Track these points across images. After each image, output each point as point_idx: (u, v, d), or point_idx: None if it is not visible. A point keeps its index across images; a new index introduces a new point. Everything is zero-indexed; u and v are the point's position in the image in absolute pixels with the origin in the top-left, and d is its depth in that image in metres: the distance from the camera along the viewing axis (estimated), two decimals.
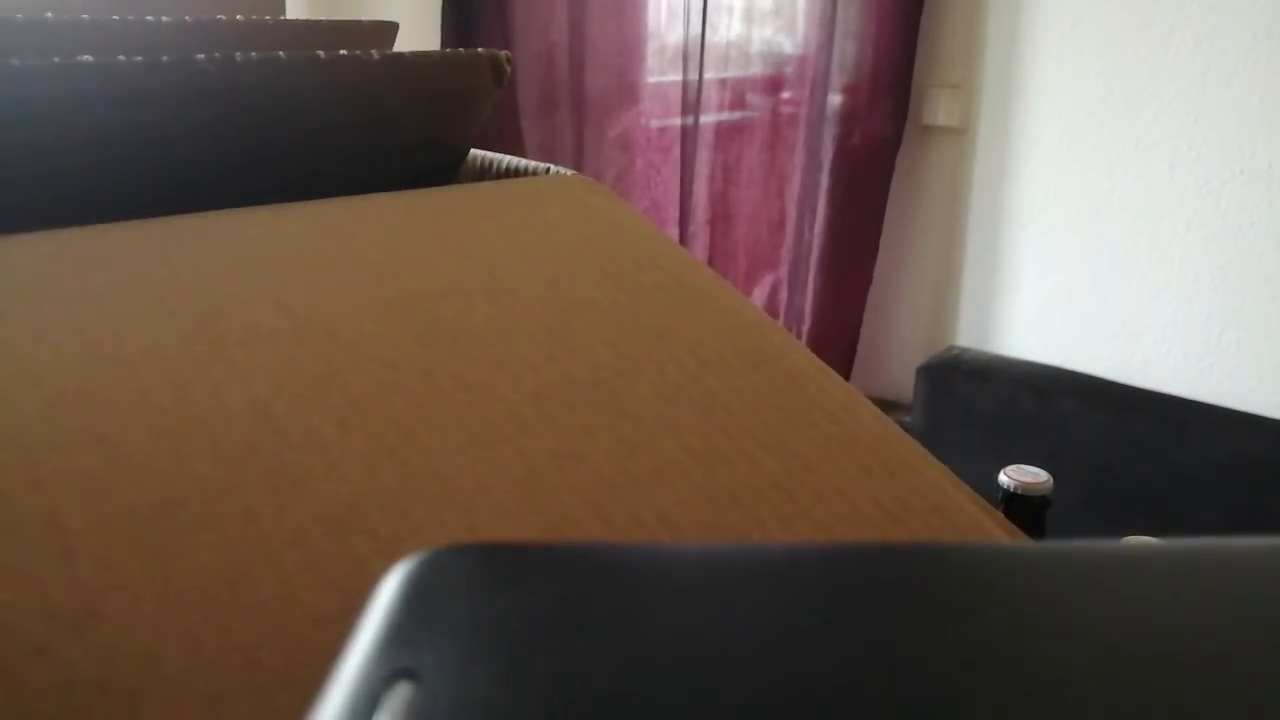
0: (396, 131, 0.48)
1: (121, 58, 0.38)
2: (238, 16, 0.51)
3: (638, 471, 0.30)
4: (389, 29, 0.60)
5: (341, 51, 0.43)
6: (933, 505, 0.32)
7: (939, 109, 1.82)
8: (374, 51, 0.44)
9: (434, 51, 0.46)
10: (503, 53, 0.49)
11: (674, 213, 2.02)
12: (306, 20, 0.56)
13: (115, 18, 0.48)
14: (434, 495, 0.28)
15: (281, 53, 0.42)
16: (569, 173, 0.50)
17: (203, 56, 0.40)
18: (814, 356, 0.39)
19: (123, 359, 0.30)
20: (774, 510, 0.30)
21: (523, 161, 0.53)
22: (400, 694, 0.12)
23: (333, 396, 0.31)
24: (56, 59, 0.37)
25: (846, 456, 0.33)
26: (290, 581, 0.24)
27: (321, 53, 0.43)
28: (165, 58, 0.39)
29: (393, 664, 0.12)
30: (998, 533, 0.32)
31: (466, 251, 0.40)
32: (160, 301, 0.33)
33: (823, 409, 0.35)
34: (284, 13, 1.74)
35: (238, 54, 0.40)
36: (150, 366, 0.30)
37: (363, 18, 0.62)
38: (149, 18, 0.49)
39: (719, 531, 0.29)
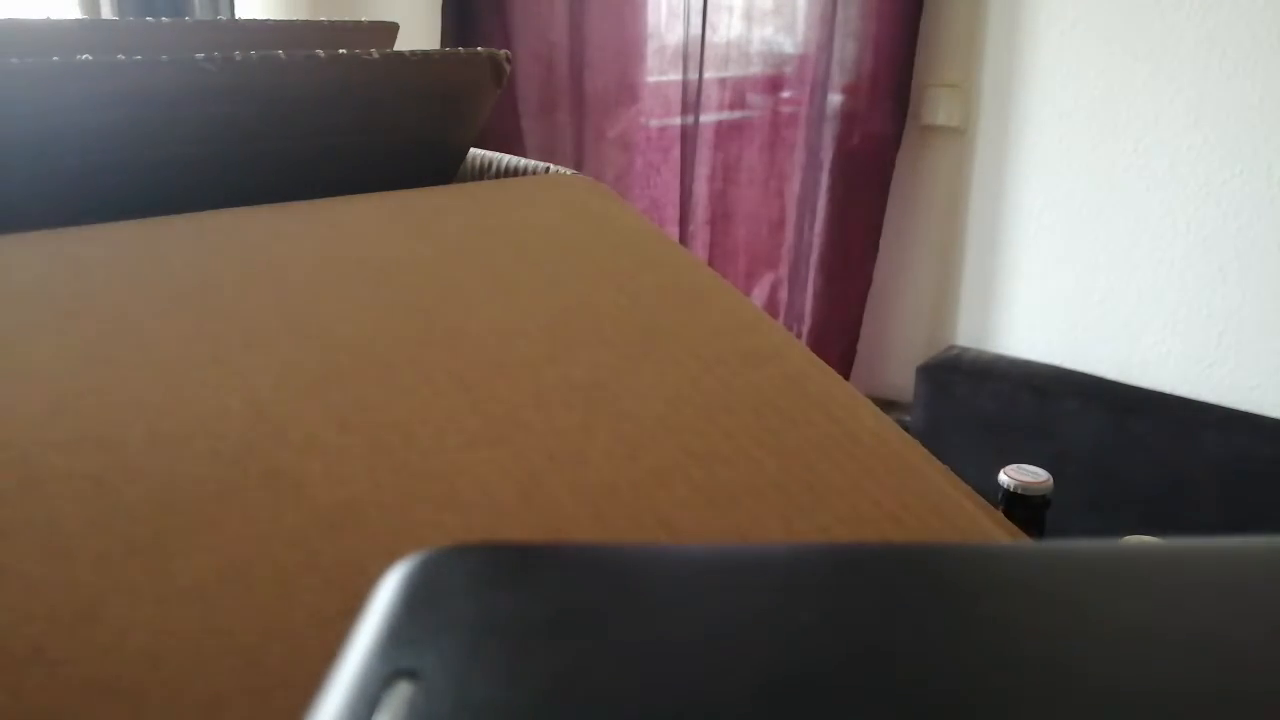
0: (396, 131, 0.48)
1: (121, 57, 0.38)
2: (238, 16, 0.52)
3: (637, 472, 0.30)
4: (389, 29, 0.60)
5: (341, 51, 0.43)
6: (933, 505, 0.32)
7: (939, 109, 1.82)
8: (374, 51, 0.44)
9: (434, 51, 0.46)
10: (502, 52, 0.49)
11: (674, 212, 2.02)
12: (306, 20, 0.56)
13: (115, 18, 0.48)
14: (434, 495, 0.28)
15: (281, 52, 0.42)
16: (569, 172, 0.50)
17: (202, 56, 0.40)
18: (814, 356, 0.38)
19: (122, 359, 0.30)
20: (774, 510, 0.30)
21: (523, 161, 0.53)
22: (400, 694, 0.12)
23: (332, 397, 0.31)
24: (56, 59, 0.37)
25: (846, 456, 0.33)
26: (290, 582, 0.24)
27: (321, 53, 0.43)
28: (165, 58, 0.39)
29: (393, 664, 0.12)
30: (998, 533, 0.32)
31: (466, 251, 0.40)
32: (160, 301, 0.33)
33: (823, 409, 0.35)
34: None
35: (237, 54, 0.40)
36: (149, 366, 0.30)
37: (363, 18, 0.62)
38: (149, 19, 0.49)
39: (719, 532, 0.29)
